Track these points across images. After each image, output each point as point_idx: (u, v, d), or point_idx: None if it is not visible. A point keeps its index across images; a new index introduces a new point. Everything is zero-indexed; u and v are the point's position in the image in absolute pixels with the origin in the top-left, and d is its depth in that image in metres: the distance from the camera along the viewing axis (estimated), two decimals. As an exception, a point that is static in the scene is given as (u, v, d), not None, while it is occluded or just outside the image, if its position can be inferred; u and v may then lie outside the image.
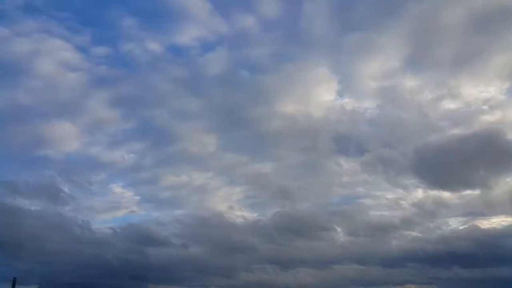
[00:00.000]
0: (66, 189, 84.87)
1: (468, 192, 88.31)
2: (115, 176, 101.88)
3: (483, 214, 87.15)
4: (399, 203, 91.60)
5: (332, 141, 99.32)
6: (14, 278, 39.67)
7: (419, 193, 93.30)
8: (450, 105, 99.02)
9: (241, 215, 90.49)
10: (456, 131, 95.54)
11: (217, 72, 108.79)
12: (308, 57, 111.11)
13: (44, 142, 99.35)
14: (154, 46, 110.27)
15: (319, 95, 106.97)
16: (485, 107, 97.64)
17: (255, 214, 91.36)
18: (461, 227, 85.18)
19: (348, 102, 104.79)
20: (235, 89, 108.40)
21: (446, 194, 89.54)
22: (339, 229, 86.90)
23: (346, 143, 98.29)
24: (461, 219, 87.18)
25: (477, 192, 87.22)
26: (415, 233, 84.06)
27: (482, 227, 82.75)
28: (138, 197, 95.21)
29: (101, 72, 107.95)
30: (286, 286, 79.13)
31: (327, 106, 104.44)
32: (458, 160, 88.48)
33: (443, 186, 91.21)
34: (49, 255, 70.43)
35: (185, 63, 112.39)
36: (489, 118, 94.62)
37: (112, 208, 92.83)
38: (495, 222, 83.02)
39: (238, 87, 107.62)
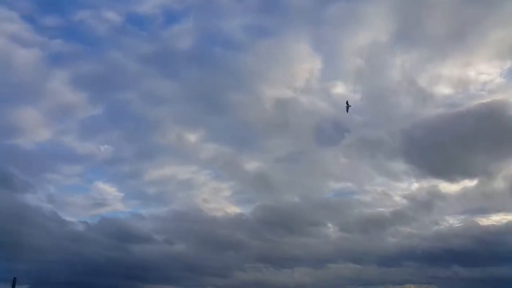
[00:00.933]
0: (32, 181, 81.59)
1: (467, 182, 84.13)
2: (92, 170, 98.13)
3: (483, 210, 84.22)
4: (390, 195, 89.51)
5: (320, 130, 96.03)
6: (14, 278, 38.93)
7: (413, 184, 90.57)
8: (443, 89, 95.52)
9: (228, 210, 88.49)
10: (450, 109, 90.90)
11: (186, 48, 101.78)
12: (286, 31, 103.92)
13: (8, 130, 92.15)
14: (110, 15, 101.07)
15: (302, 77, 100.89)
16: (483, 92, 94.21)
17: (242, 209, 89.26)
18: (459, 224, 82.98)
19: (334, 86, 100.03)
20: (209, 69, 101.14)
21: (442, 184, 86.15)
22: (330, 224, 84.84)
23: (335, 131, 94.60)
24: (460, 216, 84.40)
25: (475, 182, 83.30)
26: (410, 229, 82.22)
27: (482, 223, 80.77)
28: (120, 193, 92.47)
29: (56, 47, 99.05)
30: (284, 286, 78.54)
31: (312, 90, 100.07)
32: (453, 142, 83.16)
33: (438, 174, 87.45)
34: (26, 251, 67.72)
35: (149, 37, 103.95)
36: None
37: (93, 205, 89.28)
38: (495, 219, 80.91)
39: (213, 67, 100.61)
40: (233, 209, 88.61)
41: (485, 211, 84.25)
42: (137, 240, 79.35)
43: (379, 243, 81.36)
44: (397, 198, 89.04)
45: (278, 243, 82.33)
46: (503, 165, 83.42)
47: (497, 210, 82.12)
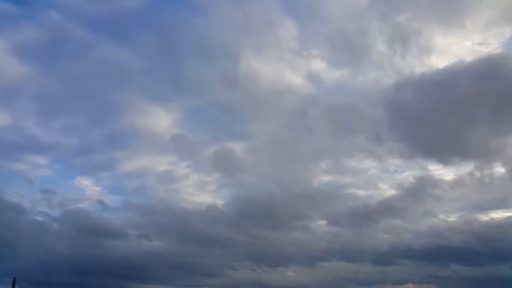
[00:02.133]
0: None
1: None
2: (57, 159, 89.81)
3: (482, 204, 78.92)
4: (375, 182, 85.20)
5: (302, 113, 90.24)
6: (14, 278, 38.47)
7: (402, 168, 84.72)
8: (434, 61, 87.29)
9: (207, 203, 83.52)
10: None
11: (136, 8, 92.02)
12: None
13: None
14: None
15: (280, 49, 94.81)
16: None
17: (223, 202, 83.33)
18: (456, 218, 78.53)
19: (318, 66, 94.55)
20: (173, 38, 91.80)
21: (434, 167, 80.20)
22: (316, 218, 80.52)
23: (317, 113, 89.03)
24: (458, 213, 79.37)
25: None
26: (402, 223, 78.30)
27: (481, 218, 77.00)
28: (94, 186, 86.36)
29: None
30: (280, 286, 77.57)
31: (293, 66, 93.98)
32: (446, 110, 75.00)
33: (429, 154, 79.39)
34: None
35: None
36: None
37: (64, 199, 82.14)
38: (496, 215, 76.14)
39: (177, 35, 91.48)
40: (212, 202, 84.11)
41: (485, 206, 79.99)
42: (115, 236, 76.50)
43: (371, 239, 78.06)
44: (384, 186, 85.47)
45: (264, 239, 78.84)
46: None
47: (498, 206, 77.70)
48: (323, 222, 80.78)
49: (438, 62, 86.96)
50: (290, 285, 77.65)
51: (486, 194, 77.82)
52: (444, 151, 78.55)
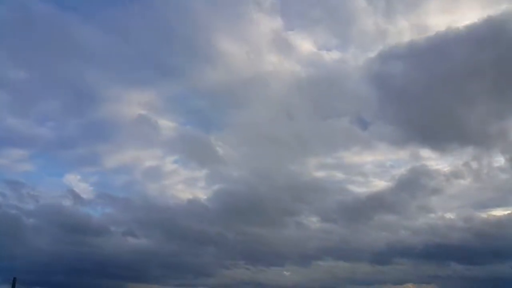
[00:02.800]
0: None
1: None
2: (39, 154, 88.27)
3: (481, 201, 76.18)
4: (366, 174, 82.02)
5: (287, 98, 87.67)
6: (14, 278, 38.01)
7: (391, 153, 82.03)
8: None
9: (192, 198, 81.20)
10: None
11: None
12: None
13: None
14: None
15: (260, 26, 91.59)
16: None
17: (209, 197, 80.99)
18: (454, 215, 76.36)
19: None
20: (151, 20, 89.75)
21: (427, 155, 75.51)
22: (307, 213, 78.35)
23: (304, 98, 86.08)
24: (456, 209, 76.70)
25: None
26: (398, 219, 76.08)
27: (480, 215, 74.94)
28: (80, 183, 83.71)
29: None
30: (277, 286, 75.94)
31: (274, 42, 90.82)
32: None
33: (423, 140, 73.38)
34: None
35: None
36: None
37: (48, 195, 79.35)
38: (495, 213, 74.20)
39: (157, 17, 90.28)
40: (197, 197, 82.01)
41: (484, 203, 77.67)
42: (98, 233, 74.52)
43: (367, 237, 75.91)
44: (374, 178, 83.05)
45: (255, 235, 76.74)
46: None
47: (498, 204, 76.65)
48: (315, 218, 79.11)
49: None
50: (287, 285, 76.83)
51: (485, 189, 74.35)
52: (438, 136, 72.25)
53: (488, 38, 65.17)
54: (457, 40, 70.18)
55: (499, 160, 72.96)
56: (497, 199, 76.74)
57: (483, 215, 76.12)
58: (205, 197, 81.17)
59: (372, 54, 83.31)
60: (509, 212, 73.38)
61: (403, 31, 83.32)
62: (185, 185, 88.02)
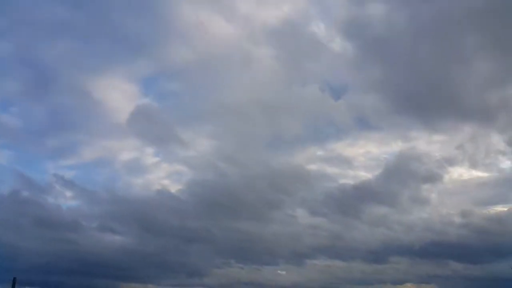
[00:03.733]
0: None
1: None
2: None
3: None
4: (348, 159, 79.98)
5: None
6: (14, 278, 36.78)
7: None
8: None
9: (172, 191, 79.07)
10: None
11: None
12: None
13: None
14: None
15: None
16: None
17: (187, 189, 78.88)
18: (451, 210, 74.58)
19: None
20: None
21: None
22: (294, 207, 76.34)
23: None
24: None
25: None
26: (391, 212, 74.21)
27: (479, 211, 73.03)
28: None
29: None
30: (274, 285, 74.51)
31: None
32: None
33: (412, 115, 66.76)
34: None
35: None
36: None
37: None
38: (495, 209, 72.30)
39: None
40: (175, 190, 79.78)
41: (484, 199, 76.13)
42: (77, 230, 71.82)
43: (359, 233, 74.20)
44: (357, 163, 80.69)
45: (241, 232, 74.39)
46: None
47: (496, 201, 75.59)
48: (301, 210, 76.81)
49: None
50: (286, 285, 75.27)
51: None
52: (429, 109, 62.08)
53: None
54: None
55: (498, 140, 66.50)
56: (497, 197, 75.84)
57: (483, 210, 75.11)
58: (180, 187, 79.21)
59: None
60: (510, 206, 71.44)
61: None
62: (163, 177, 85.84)
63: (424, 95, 60.02)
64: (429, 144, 73.71)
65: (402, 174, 72.03)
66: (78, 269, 66.41)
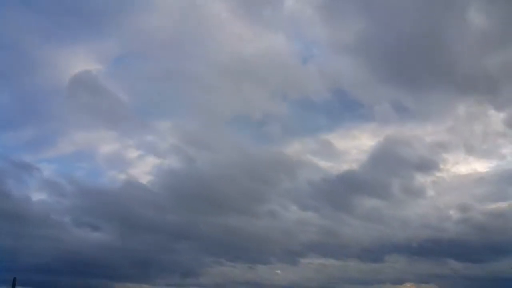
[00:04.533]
0: None
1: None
2: None
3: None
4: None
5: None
6: (14, 278, 36.68)
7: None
8: None
9: (147, 183, 76.36)
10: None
11: None
12: None
13: None
14: None
15: None
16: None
17: (165, 180, 76.61)
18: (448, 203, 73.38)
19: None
20: None
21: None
22: (281, 201, 74.13)
23: None
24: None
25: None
26: (384, 206, 72.78)
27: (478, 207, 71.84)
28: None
29: None
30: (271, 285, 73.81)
31: None
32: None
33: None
34: None
35: None
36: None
37: None
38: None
39: None
40: (152, 182, 77.18)
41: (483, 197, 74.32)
42: (53, 226, 68.89)
43: (352, 230, 72.58)
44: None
45: (229, 229, 72.46)
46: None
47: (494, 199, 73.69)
48: (292, 207, 74.78)
49: None
50: (282, 284, 74.29)
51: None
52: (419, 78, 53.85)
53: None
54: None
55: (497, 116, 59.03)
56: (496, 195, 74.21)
57: (480, 207, 74.09)
58: (158, 180, 76.67)
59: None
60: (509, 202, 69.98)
61: None
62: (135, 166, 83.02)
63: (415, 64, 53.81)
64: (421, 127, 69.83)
65: (391, 161, 69.52)
66: (65, 268, 64.69)
